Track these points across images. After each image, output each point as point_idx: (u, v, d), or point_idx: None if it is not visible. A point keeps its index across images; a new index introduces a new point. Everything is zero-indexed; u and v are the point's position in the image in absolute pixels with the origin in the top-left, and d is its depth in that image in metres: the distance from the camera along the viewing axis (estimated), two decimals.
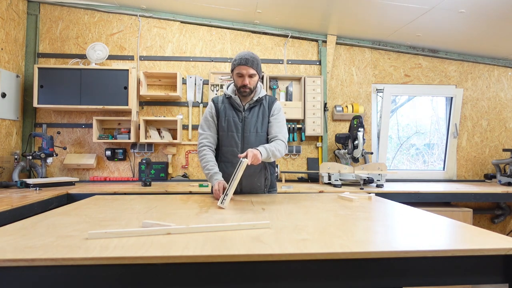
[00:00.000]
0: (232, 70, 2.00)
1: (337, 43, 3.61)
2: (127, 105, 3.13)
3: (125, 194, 2.50)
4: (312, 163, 3.53)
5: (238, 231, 1.15)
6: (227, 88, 2.08)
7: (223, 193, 1.70)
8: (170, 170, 3.41)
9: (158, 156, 3.44)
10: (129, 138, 3.24)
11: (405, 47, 3.66)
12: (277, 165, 3.15)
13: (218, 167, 1.99)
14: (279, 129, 2.02)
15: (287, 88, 3.48)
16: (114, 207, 1.64)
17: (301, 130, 3.46)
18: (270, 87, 3.46)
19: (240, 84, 1.96)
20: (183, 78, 3.47)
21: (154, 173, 3.34)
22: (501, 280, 1.00)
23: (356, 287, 0.96)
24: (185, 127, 3.45)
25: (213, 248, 0.95)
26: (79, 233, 1.11)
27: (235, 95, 2.04)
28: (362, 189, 2.80)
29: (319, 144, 3.57)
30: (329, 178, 3.09)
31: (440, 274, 0.97)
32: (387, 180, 3.49)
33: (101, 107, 3.10)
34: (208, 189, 2.68)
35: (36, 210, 2.08)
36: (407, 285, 0.98)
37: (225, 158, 2.04)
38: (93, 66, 3.18)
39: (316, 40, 3.60)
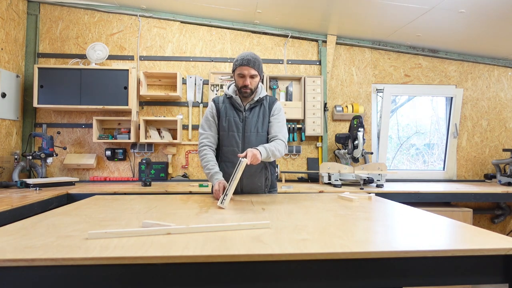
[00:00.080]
0: (233, 71, 2.00)
1: (337, 43, 3.61)
2: (127, 105, 3.13)
3: (125, 194, 2.50)
4: (312, 163, 3.53)
5: (238, 231, 1.15)
6: (228, 88, 2.08)
7: (223, 193, 1.70)
8: (170, 170, 3.41)
9: (158, 156, 3.44)
10: (129, 138, 3.24)
11: (405, 47, 3.66)
12: (277, 165, 3.15)
13: (219, 167, 1.99)
14: (279, 129, 2.03)
15: (287, 88, 3.48)
16: (114, 207, 1.64)
17: (301, 130, 3.46)
18: (270, 87, 3.46)
19: (241, 84, 1.96)
20: (183, 78, 3.47)
21: (154, 173, 3.34)
22: (501, 280, 1.00)
23: (356, 287, 0.96)
24: (185, 127, 3.45)
25: (213, 248, 0.95)
26: (79, 233, 1.11)
27: (236, 95, 2.04)
28: (362, 189, 2.80)
29: (319, 144, 3.57)
30: (329, 178, 3.09)
31: (440, 274, 0.97)
32: (387, 180, 3.49)
33: (101, 107, 3.10)
34: (208, 189, 2.68)
35: (36, 210, 2.08)
36: (407, 285, 0.98)
37: (225, 158, 2.04)
38: (93, 66, 3.18)
39: (316, 40, 3.60)
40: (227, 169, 2.00)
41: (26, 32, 3.30)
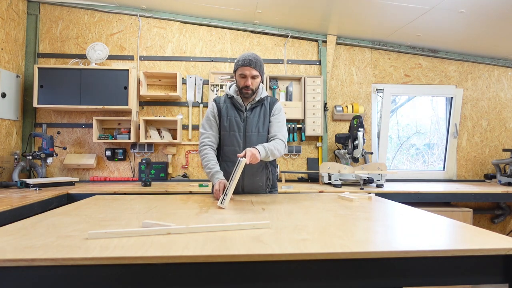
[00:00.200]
0: (235, 71, 2.01)
1: (337, 43, 3.61)
2: (127, 105, 3.13)
3: (125, 194, 2.50)
4: (312, 163, 3.53)
5: (238, 231, 1.15)
6: (229, 88, 2.09)
7: (222, 193, 1.70)
8: (170, 170, 3.41)
9: (158, 156, 3.44)
10: (129, 138, 3.24)
11: (405, 47, 3.66)
12: (277, 165, 3.15)
13: (220, 167, 1.99)
14: (279, 129, 2.03)
15: (287, 88, 3.48)
16: (114, 207, 1.64)
17: (301, 130, 3.46)
18: (270, 87, 3.46)
19: (243, 85, 1.97)
20: (183, 78, 3.47)
21: (154, 173, 3.34)
22: (501, 280, 1.00)
23: (356, 287, 0.96)
24: (185, 127, 3.45)
25: (213, 248, 0.95)
26: (79, 233, 1.11)
27: (237, 95, 2.04)
28: (362, 189, 2.80)
29: (319, 144, 3.57)
30: (329, 178, 3.09)
31: (440, 274, 0.97)
32: (387, 180, 3.49)
33: (101, 107, 3.10)
34: (208, 189, 2.68)
35: (36, 210, 2.08)
36: (407, 285, 0.98)
37: (226, 158, 2.04)
38: (93, 66, 3.18)
39: (316, 40, 3.60)
40: (228, 169, 2.00)
41: (26, 32, 3.30)
